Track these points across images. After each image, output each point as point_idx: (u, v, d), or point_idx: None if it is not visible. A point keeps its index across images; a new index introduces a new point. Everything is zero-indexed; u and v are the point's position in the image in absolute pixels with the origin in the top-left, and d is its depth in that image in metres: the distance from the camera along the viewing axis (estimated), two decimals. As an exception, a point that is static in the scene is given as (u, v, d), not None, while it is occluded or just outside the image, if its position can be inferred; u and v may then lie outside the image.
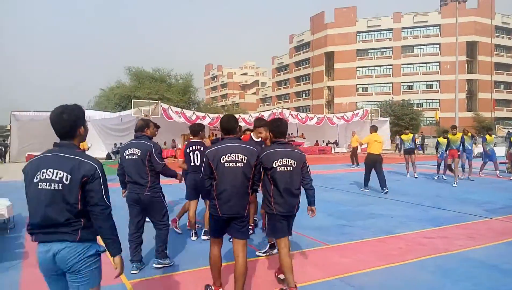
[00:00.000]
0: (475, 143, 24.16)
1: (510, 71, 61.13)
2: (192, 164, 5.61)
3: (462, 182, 12.10)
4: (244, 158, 3.43)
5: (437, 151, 13.01)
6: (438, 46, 57.44)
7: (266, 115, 25.86)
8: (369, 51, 61.53)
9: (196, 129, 5.86)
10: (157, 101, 23.13)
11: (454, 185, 11.30)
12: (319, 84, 65.44)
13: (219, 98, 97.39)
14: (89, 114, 24.63)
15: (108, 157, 23.49)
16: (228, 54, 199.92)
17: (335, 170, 15.99)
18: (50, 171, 2.22)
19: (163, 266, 4.51)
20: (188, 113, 23.43)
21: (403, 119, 41.36)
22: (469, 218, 7.05)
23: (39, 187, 2.23)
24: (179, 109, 23.42)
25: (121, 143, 24.31)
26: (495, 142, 32.48)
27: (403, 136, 14.00)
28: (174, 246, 5.16)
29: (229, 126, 3.62)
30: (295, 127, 29.53)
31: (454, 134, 12.15)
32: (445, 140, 12.30)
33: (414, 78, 59.22)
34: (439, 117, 47.03)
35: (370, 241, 5.66)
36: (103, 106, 36.44)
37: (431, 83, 58.55)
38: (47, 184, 2.22)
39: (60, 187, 2.21)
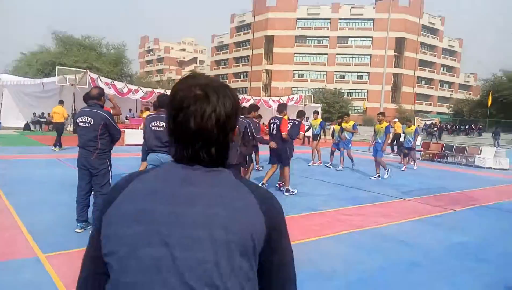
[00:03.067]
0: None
1: (431, 68, 66.54)
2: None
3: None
4: None
5: (333, 138, 12.83)
6: (370, 39, 60.48)
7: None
8: (307, 38, 62.94)
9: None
10: (84, 70, 21.60)
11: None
12: (258, 67, 65.79)
13: (154, 72, 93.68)
14: (5, 79, 22.36)
15: (27, 127, 21.59)
16: (166, 28, 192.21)
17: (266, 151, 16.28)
18: (158, 122, 4.46)
19: None
20: (119, 85, 22.22)
21: (334, 106, 43.40)
22: (385, 199, 7.65)
23: (152, 129, 4.48)
24: (109, 80, 22.11)
25: (42, 113, 22.47)
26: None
27: (312, 121, 13.25)
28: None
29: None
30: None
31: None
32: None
33: (347, 68, 61.95)
34: (366, 107, 49.97)
35: (294, 217, 5.91)
36: (24, 71, 33.32)
37: (361, 74, 61.71)
38: (157, 128, 4.46)
39: (162, 129, 4.41)
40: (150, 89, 23.90)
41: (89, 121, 4.50)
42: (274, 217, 0.91)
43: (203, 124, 0.88)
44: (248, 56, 68.93)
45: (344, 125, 12.13)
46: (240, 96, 28.38)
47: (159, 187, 0.89)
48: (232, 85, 69.21)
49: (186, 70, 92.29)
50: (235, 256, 0.83)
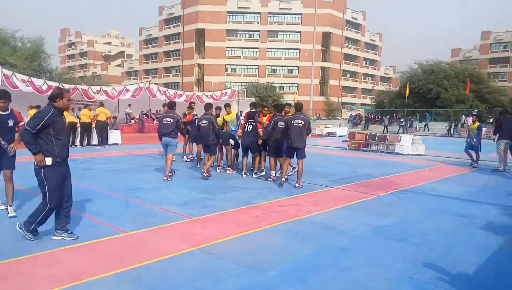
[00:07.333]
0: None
1: (355, 62, 70.49)
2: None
3: (315, 156, 13.60)
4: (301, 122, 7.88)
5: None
6: (299, 34, 62.35)
7: (131, 89, 24.47)
8: (238, 32, 63.17)
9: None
10: (-4, 66, 19.61)
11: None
12: (190, 61, 64.69)
13: (77, 68, 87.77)
14: None
15: None
16: (88, 20, 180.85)
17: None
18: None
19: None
20: (38, 82, 20.47)
21: (266, 100, 44.19)
22: (316, 188, 8.02)
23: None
24: (26, 77, 20.31)
25: None
26: (340, 123, 37.55)
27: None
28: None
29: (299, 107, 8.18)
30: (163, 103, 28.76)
31: (229, 113, 10.19)
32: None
33: (278, 63, 63.36)
34: (297, 100, 51.62)
35: (230, 211, 5.97)
36: None
37: (291, 68, 63.54)
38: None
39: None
40: (73, 86, 22.37)
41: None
42: None
43: None
44: (179, 49, 67.41)
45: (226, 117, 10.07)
46: (172, 92, 27.74)
47: None
48: (164, 80, 67.44)
49: (113, 65, 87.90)
50: None
